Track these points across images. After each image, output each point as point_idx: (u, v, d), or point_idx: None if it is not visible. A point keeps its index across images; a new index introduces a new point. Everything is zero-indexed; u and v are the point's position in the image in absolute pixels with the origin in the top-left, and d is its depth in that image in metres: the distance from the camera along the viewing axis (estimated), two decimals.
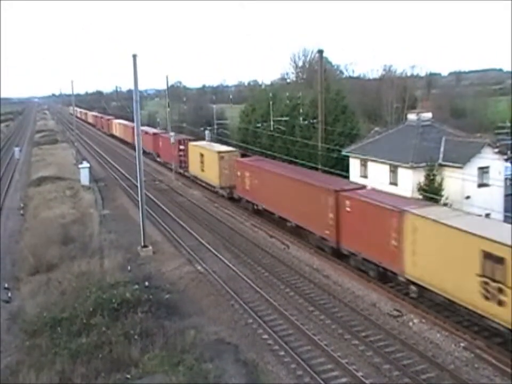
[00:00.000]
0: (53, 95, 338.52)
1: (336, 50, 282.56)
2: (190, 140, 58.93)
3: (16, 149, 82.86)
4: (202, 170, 51.32)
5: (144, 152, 71.95)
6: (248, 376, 19.10)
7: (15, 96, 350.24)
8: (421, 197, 30.75)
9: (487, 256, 19.82)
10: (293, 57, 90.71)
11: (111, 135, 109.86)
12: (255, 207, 40.30)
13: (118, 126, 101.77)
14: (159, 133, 72.18)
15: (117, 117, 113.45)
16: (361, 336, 21.94)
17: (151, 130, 76.57)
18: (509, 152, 36.24)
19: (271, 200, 37.27)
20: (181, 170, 58.99)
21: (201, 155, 51.10)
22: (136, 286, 25.42)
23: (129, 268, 29.88)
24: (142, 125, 55.71)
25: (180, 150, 58.21)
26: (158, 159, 69.91)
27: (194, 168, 54.50)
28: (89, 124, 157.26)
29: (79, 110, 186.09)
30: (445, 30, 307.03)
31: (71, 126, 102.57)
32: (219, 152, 47.04)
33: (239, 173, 42.32)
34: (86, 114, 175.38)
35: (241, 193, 42.67)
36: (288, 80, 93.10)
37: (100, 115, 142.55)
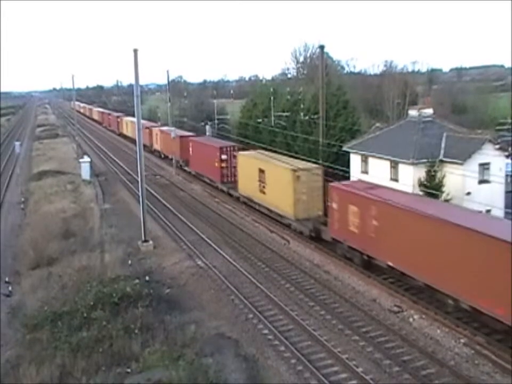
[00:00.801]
0: (54, 89, 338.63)
1: (337, 45, 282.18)
2: (238, 148, 46.41)
3: (17, 143, 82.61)
4: (263, 192, 38.55)
5: (165, 157, 66.35)
6: (248, 371, 19.13)
7: (15, 90, 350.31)
8: (421, 193, 30.71)
9: None
10: (294, 53, 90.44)
11: (121, 135, 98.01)
12: (366, 258, 27.56)
13: (130, 124, 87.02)
14: (187, 136, 60.09)
15: (128, 114, 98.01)
16: (362, 331, 21.97)
17: (178, 132, 63.02)
18: (509, 148, 36.13)
19: (408, 257, 24.07)
20: (224, 188, 46.97)
21: (261, 171, 38.51)
22: (137, 281, 25.46)
23: (129, 262, 29.92)
24: (143, 119, 54.96)
25: (222, 161, 46.59)
26: (188, 169, 57.30)
27: (247, 187, 41.52)
28: (94, 120, 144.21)
29: (82, 105, 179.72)
30: (446, 25, 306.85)
31: (72, 121, 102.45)
32: (294, 170, 33.87)
33: (335, 205, 29.52)
34: (90, 110, 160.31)
35: (339, 234, 29.52)
36: (289, 76, 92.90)
37: (107, 111, 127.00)
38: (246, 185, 41.70)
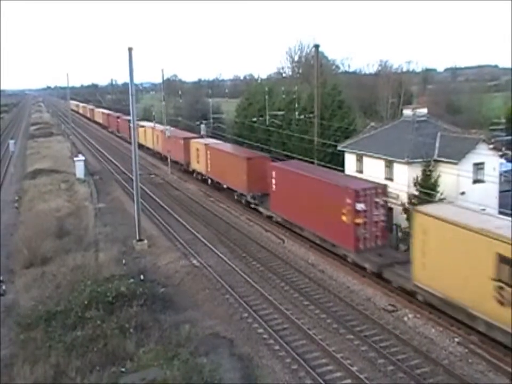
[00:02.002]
0: (48, 87, 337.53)
1: (332, 44, 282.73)
2: (383, 191, 28.54)
3: (11, 142, 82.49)
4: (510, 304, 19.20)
5: (217, 184, 46.82)
6: (243, 370, 19.16)
7: (9, 88, 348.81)
8: (417, 192, 30.78)
9: None
10: (289, 52, 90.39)
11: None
12: None
13: (149, 132, 69.71)
14: (261, 157, 40.99)
15: (142, 119, 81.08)
16: (356, 330, 22.02)
17: (240, 150, 46.09)
18: (503, 148, 36.24)
19: None
20: (367, 264, 27.09)
21: (507, 263, 19.17)
22: (132, 280, 25.46)
23: (124, 261, 29.85)
24: (138, 118, 53.76)
25: (357, 213, 27.42)
26: (264, 211, 38.04)
27: (447, 279, 21.89)
28: (97, 123, 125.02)
29: (81, 104, 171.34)
30: (441, 25, 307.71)
31: (67, 119, 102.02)
32: None
33: None
34: (92, 111, 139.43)
35: None
36: (284, 75, 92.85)
37: (115, 114, 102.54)
38: (443, 275, 22.13)
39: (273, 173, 35.84)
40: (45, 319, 21.77)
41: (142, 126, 73.06)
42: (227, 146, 49.09)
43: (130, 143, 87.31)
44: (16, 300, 25.62)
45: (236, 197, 42.96)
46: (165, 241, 35.10)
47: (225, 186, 45.21)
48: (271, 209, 36.80)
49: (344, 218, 28.08)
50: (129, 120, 74.83)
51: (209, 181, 48.97)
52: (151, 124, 70.28)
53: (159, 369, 18.10)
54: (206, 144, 49.64)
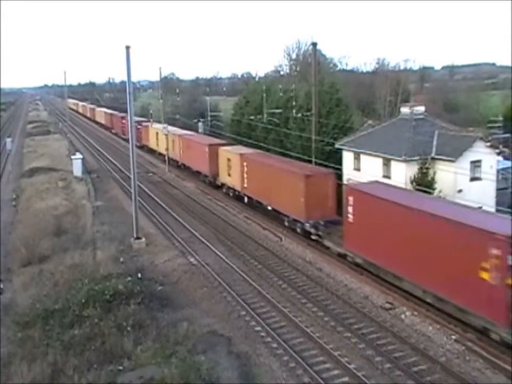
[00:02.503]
0: (45, 85, 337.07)
1: (330, 42, 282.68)
2: None
3: (8, 140, 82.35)
4: None
5: (251, 200, 39.54)
6: (241, 369, 19.16)
7: (6, 87, 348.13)
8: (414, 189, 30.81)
9: None
10: (287, 50, 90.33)
11: (143, 148, 71.52)
12: None
13: (162, 135, 61.75)
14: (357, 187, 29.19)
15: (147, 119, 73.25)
16: (354, 328, 22.04)
17: (306, 168, 34.80)
18: (500, 146, 36.33)
19: None
20: None
21: None
22: (129, 278, 25.43)
23: (122, 259, 29.84)
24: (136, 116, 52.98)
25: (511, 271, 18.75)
26: (345, 252, 28.55)
27: None
28: (98, 124, 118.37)
29: (81, 103, 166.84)
30: (438, 23, 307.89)
31: (64, 118, 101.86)
32: None
33: None
34: (92, 110, 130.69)
35: None
36: (282, 73, 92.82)
37: (119, 114, 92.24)
38: None
39: (351, 199, 27.37)
40: (42, 317, 21.76)
41: (152, 128, 67.02)
42: (272, 158, 40.12)
43: (137, 146, 73.46)
44: (14, 298, 25.60)
45: (286, 224, 34.40)
46: (162, 239, 35.10)
47: (269, 208, 36.55)
48: (346, 246, 28.35)
49: (485, 275, 19.63)
50: (137, 122, 62.88)
51: (246, 199, 40.71)
52: (164, 127, 61.47)
53: (156, 368, 18.10)
54: (241, 154, 41.20)
